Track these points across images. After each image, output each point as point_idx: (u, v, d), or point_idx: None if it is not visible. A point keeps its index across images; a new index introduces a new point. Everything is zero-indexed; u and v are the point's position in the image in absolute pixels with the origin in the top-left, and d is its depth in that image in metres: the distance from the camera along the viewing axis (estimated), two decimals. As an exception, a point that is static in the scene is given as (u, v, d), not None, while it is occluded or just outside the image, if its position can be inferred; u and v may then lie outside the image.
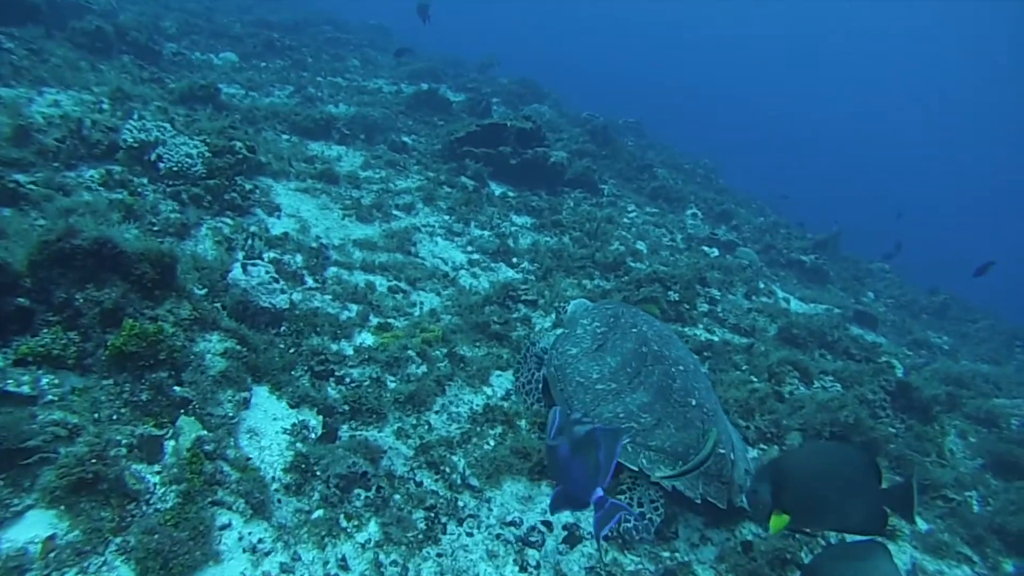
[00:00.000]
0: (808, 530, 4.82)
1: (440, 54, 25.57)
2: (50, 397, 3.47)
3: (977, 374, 9.97)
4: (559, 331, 6.12)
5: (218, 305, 4.99)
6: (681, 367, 5.31)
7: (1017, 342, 15.56)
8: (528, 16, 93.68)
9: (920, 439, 7.31)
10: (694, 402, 5.01)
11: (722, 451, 4.80)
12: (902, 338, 12.63)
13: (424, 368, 5.59)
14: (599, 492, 3.21)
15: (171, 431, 3.70)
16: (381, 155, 10.96)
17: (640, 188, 15.58)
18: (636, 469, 4.69)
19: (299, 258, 6.61)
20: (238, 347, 4.45)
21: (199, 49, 15.83)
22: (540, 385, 5.69)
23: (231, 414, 4.06)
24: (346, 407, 4.76)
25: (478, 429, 5.09)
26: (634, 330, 5.62)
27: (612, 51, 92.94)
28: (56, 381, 3.55)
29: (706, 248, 12.63)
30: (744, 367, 7.71)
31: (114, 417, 3.60)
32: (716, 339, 8.37)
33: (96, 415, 3.54)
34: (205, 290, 5.08)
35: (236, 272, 5.22)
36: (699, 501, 4.65)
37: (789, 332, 9.04)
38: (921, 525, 6.12)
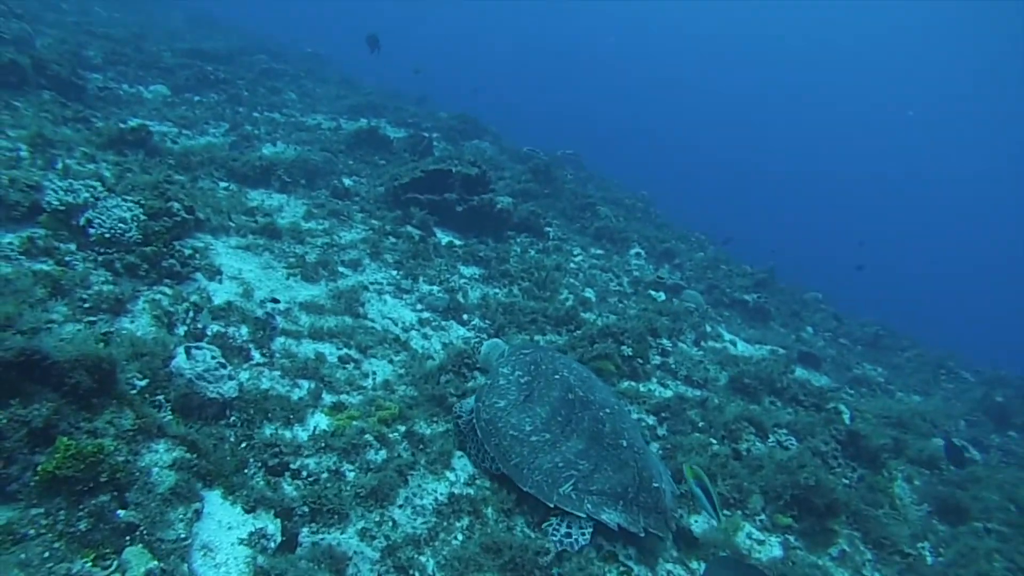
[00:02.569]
0: None
1: (378, 87, 25.29)
2: (-32, 541, 3.07)
3: (915, 412, 10.27)
4: (476, 393, 6.05)
5: (161, 398, 4.61)
6: (607, 409, 5.69)
7: (941, 371, 16.32)
8: (461, 45, 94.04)
9: (873, 490, 7.54)
10: (624, 443, 5.43)
11: (656, 485, 5.26)
12: (843, 375, 12.98)
13: (384, 454, 5.32)
14: None
15: (116, 564, 3.33)
16: (324, 203, 10.59)
17: (584, 228, 15.64)
18: (584, 516, 4.97)
19: (244, 330, 6.22)
20: (188, 455, 4.08)
21: (127, 81, 15.11)
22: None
23: (184, 535, 3.69)
24: (305, 508, 4.44)
25: (444, 523, 4.84)
26: (556, 377, 5.90)
27: (541, 75, 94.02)
28: (-27, 520, 3.14)
29: (652, 292, 12.70)
30: (700, 423, 7.71)
31: (46, 555, 3.21)
32: (670, 393, 8.37)
33: (23, 555, 3.15)
34: (146, 380, 4.68)
35: (180, 359, 4.84)
36: (643, 535, 5.07)
37: (740, 381, 9.14)
38: (881, 585, 6.23)
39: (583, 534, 4.97)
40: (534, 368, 6.02)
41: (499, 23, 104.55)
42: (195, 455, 4.15)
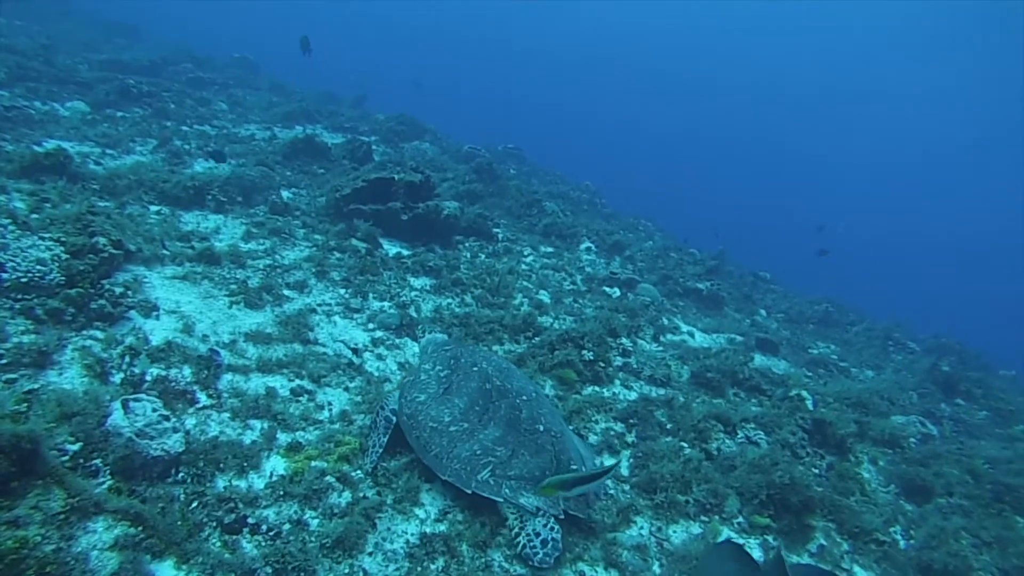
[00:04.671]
0: None
1: (312, 89, 24.59)
2: None
3: (872, 391, 10.44)
4: (399, 389, 6.11)
5: (98, 462, 4.22)
6: (524, 397, 5.84)
7: (889, 342, 16.73)
8: (396, 42, 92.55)
9: (843, 477, 7.59)
10: (541, 428, 5.58)
11: (575, 467, 5.38)
12: (800, 357, 13.14)
13: (348, 495, 5.02)
14: None
15: (54, 669, 2.99)
16: (263, 221, 10.08)
17: (532, 226, 15.42)
18: (501, 500, 5.10)
19: (187, 370, 5.81)
20: (132, 530, 3.71)
21: (39, 98, 14.18)
22: (381, 451, 5.54)
23: (130, 624, 3.36)
24: (268, 568, 4.12)
25: (418, 568, 4.58)
26: (475, 369, 6.10)
27: (474, 68, 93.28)
28: None
29: (607, 289, 12.61)
30: (669, 425, 7.63)
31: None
32: (635, 395, 8.28)
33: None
34: (79, 444, 4.27)
35: (116, 416, 4.44)
36: (562, 517, 5.14)
37: (703, 376, 9.12)
38: (860, 574, 6.24)
39: (552, 529, 5.02)
40: (454, 362, 6.23)
41: (429, 17, 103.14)
42: (140, 528, 3.77)
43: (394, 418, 5.72)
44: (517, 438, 5.45)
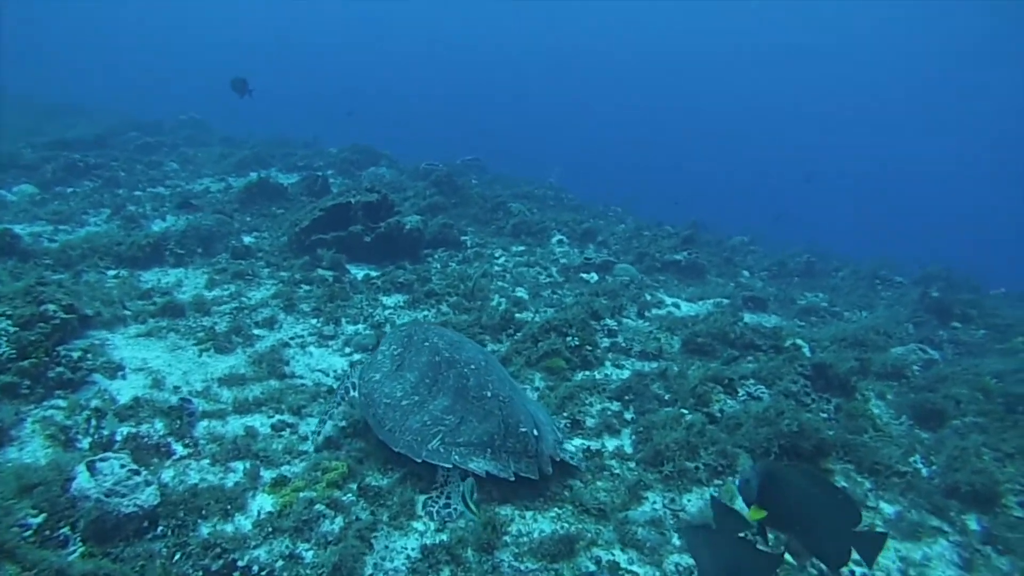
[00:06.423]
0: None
1: (264, 136, 24.43)
2: None
3: (868, 328, 10.32)
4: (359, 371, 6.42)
5: (66, 530, 3.98)
6: (472, 366, 5.89)
7: (876, 280, 16.66)
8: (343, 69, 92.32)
9: (852, 417, 7.36)
10: (489, 394, 5.61)
11: (523, 430, 5.37)
12: (790, 309, 13.01)
13: (340, 521, 4.79)
14: None
15: None
16: (225, 267, 9.89)
17: (500, 229, 15.28)
18: (450, 466, 5.14)
19: (159, 424, 5.59)
20: (102, 593, 3.47)
21: (-18, 187, 13.91)
22: (328, 420, 5.98)
23: None
24: (263, 612, 3.88)
25: (423, 583, 4.35)
26: (426, 344, 6.20)
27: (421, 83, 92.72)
28: None
29: (584, 275, 12.45)
30: (667, 396, 7.43)
31: None
32: (627, 373, 8.08)
33: None
34: (43, 516, 4.03)
35: (81, 479, 4.20)
36: (512, 479, 5.13)
37: (694, 342, 8.92)
38: (887, 509, 6.03)
39: (459, 513, 5.05)
40: (407, 340, 6.37)
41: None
42: (114, 589, 3.53)
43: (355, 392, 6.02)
44: (465, 406, 5.52)
